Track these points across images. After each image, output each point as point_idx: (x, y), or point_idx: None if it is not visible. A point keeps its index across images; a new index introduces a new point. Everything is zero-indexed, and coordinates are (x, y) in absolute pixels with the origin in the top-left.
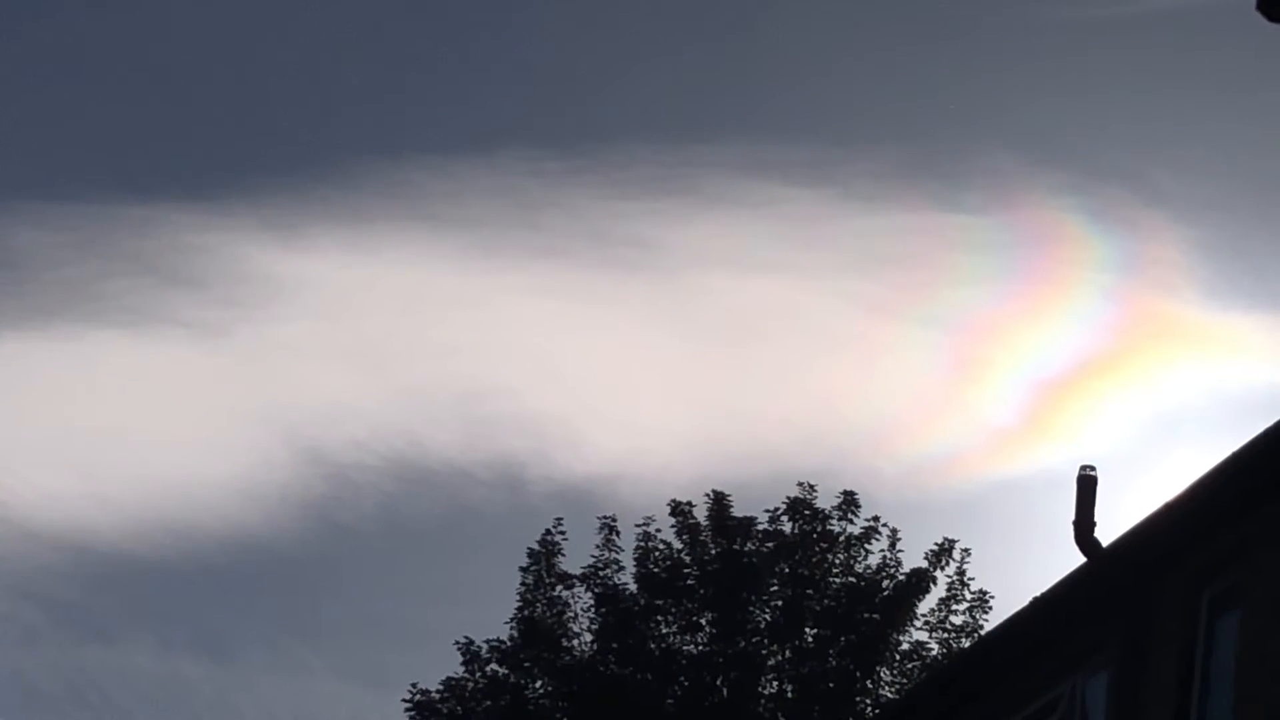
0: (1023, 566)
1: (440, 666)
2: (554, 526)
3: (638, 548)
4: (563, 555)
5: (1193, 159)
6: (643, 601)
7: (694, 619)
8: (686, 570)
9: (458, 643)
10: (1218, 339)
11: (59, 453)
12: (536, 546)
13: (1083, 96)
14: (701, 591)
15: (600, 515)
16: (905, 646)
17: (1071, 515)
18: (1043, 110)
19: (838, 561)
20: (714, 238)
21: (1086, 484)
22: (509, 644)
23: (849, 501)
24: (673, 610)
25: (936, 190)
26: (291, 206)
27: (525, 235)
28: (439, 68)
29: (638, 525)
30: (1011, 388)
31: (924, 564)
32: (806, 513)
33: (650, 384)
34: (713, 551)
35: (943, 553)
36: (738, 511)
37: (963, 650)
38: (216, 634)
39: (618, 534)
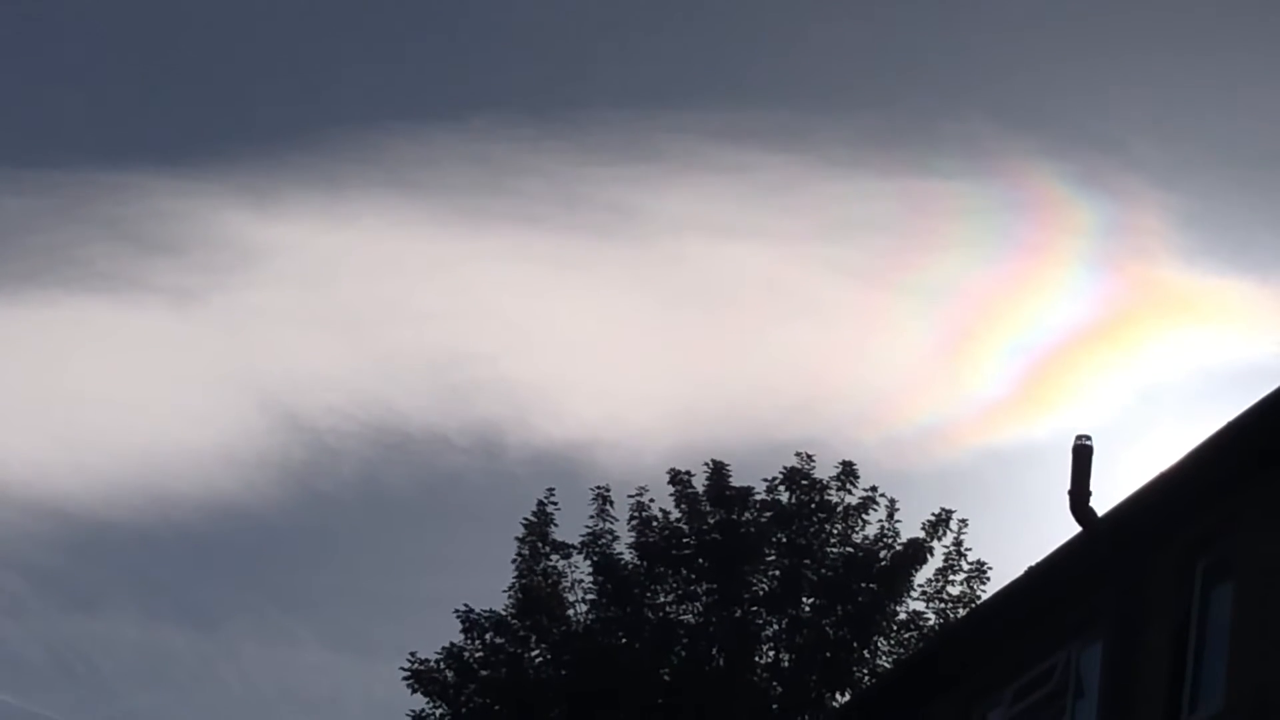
0: (1015, 537)
1: (423, 634)
2: (546, 497)
3: (633, 517)
4: (555, 525)
5: (1169, 124)
6: (640, 571)
7: (691, 588)
8: (684, 540)
9: (457, 611)
10: (1204, 307)
11: (37, 419)
12: (532, 517)
13: (1057, 62)
14: (699, 561)
15: (594, 485)
16: (902, 617)
17: (1059, 486)
18: (1017, 76)
19: (835, 531)
20: (689, 203)
21: (1082, 454)
22: (506, 613)
23: (847, 472)
24: (670, 579)
25: (911, 155)
26: (267, 173)
27: (500, 201)
28: (412, 35)
29: (631, 495)
30: (998, 357)
31: (921, 534)
32: (804, 482)
33: (626, 349)
34: (710, 521)
35: (940, 523)
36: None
37: (958, 620)
38: (200, 603)
39: (611, 504)
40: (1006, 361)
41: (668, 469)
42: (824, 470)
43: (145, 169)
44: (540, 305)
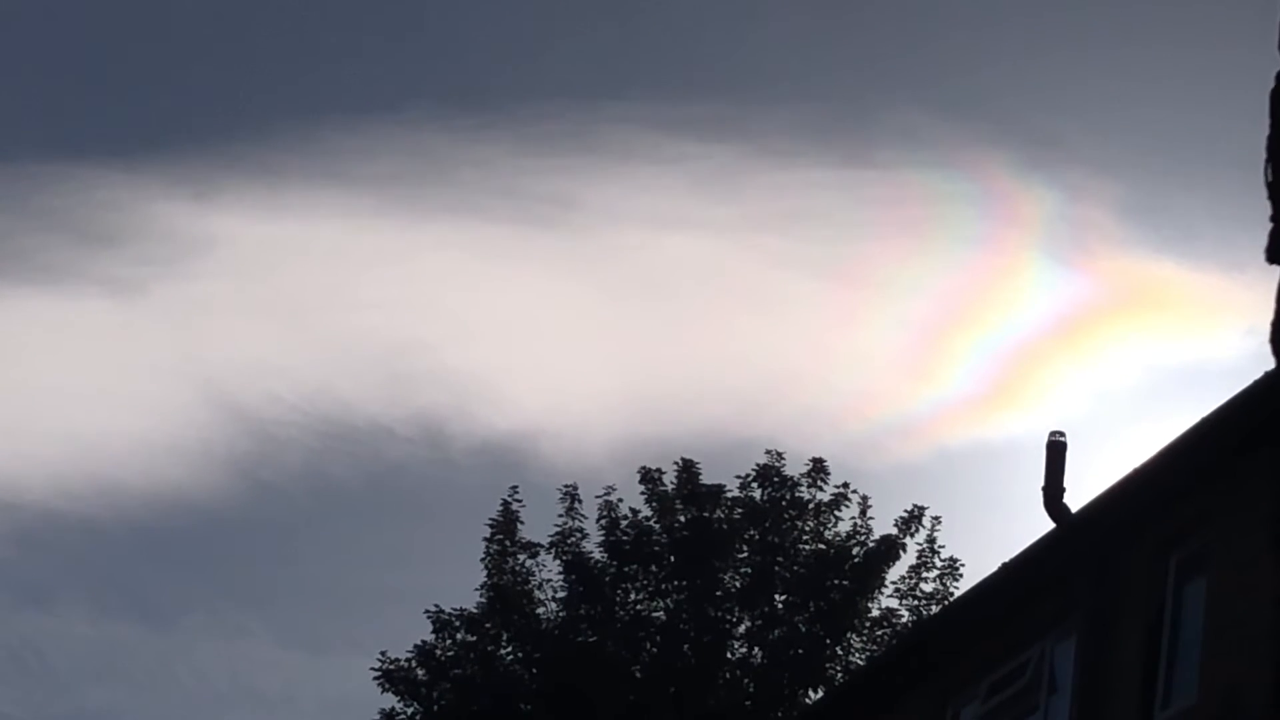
0: (986, 534)
1: (375, 629)
2: (510, 495)
3: (601, 516)
4: (521, 523)
5: (1106, 117)
6: (611, 569)
7: (662, 586)
8: (655, 538)
9: (428, 611)
10: (1156, 300)
11: None
12: (497, 516)
13: (995, 54)
14: (670, 559)
15: (545, 478)
16: (875, 613)
17: (1026, 482)
18: (956, 68)
19: (807, 528)
20: (627, 193)
21: (1056, 450)
22: (476, 612)
23: (818, 468)
24: (640, 577)
25: (852, 146)
26: (204, 164)
27: (438, 192)
28: (349, 26)
29: (598, 496)
30: (954, 351)
31: (894, 531)
32: (775, 479)
33: (567, 340)
34: (681, 519)
35: (912, 520)
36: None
37: (932, 615)
38: (152, 597)
39: (579, 501)
40: (964, 356)
41: (639, 467)
42: (791, 468)
43: (84, 160)
44: (481, 296)
